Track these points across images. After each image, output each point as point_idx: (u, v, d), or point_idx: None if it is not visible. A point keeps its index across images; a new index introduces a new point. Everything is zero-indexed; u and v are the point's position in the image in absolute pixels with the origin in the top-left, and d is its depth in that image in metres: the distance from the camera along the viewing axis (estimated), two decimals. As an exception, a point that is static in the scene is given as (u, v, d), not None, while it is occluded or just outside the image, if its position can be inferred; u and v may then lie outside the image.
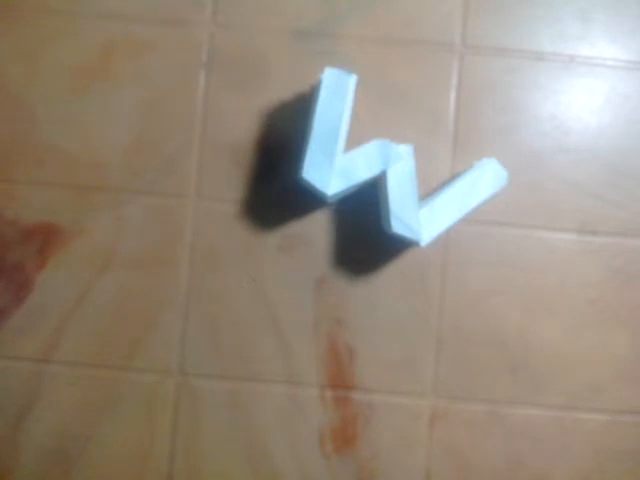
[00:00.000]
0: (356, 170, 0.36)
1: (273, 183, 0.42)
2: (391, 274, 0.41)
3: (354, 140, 0.41)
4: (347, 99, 0.36)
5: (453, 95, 0.42)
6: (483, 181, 0.37)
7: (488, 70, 0.42)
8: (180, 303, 0.41)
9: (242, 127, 0.42)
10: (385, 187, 0.37)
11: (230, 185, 0.42)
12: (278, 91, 0.42)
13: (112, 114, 0.42)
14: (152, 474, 0.41)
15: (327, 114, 0.36)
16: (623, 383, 0.41)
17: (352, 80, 0.36)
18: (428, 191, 0.41)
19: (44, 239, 0.41)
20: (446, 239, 0.41)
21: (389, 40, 0.42)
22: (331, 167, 0.36)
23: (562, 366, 0.41)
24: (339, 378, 0.41)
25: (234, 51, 0.42)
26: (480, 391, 0.41)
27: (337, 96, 0.36)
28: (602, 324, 0.41)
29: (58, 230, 0.41)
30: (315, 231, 0.42)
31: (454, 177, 0.40)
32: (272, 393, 0.41)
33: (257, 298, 0.41)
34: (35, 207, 0.42)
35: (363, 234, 0.41)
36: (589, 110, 0.42)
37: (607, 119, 0.42)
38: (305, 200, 0.41)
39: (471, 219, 0.41)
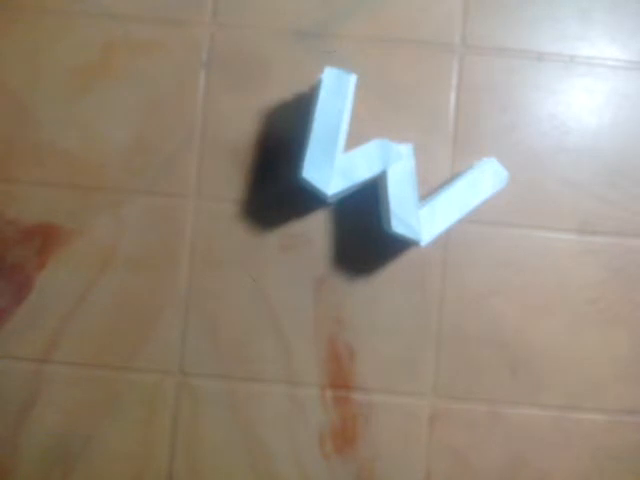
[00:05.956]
0: (356, 170, 0.36)
1: (273, 183, 0.42)
2: (391, 274, 0.41)
3: (354, 140, 0.41)
4: (347, 99, 0.36)
5: (453, 95, 0.42)
6: (483, 181, 0.37)
7: (488, 70, 0.42)
8: (180, 303, 0.41)
9: (242, 127, 0.42)
10: (385, 187, 0.37)
11: (230, 185, 0.42)
12: (278, 91, 0.42)
13: (112, 114, 0.42)
14: (152, 474, 0.41)
15: (327, 114, 0.36)
16: (623, 383, 0.41)
17: (352, 80, 0.36)
18: (428, 191, 0.41)
19: (44, 239, 0.41)
20: (446, 239, 0.41)
21: (389, 40, 0.42)
22: (331, 167, 0.36)
23: (562, 366, 0.41)
24: (339, 378, 0.41)
25: (234, 51, 0.42)
26: (480, 391, 0.41)
27: (337, 96, 0.36)
28: (602, 324, 0.41)
29: (58, 230, 0.41)
30: (315, 231, 0.42)
31: (454, 177, 0.40)
32: (272, 393, 0.41)
33: (257, 298, 0.41)
34: (35, 207, 0.42)
35: (363, 234, 0.42)
36: (589, 110, 0.42)
37: (607, 119, 0.42)
38: (305, 200, 0.41)
39: (471, 219, 0.41)
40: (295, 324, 0.41)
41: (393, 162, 0.36)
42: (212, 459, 0.41)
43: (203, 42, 0.42)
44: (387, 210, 0.37)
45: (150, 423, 0.41)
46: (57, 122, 0.42)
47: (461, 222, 0.41)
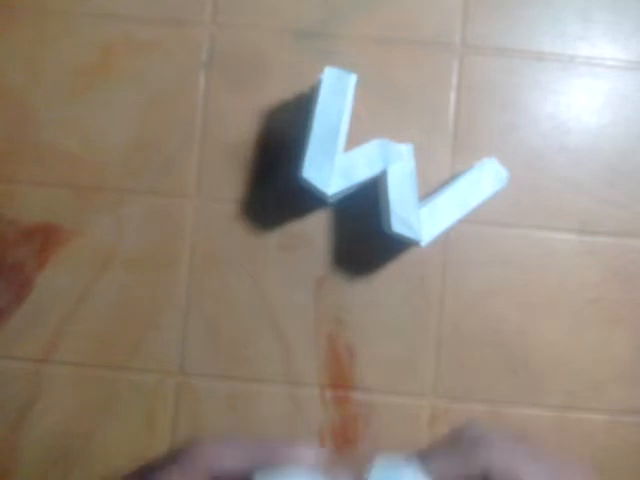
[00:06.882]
0: (356, 169, 0.36)
1: (273, 183, 0.42)
2: (391, 274, 0.41)
3: (354, 140, 0.41)
4: (347, 99, 0.36)
5: (453, 95, 0.42)
6: (483, 181, 0.37)
7: (488, 70, 0.42)
8: (180, 303, 0.41)
9: (242, 127, 0.42)
10: (385, 186, 0.37)
11: (230, 185, 0.42)
12: (278, 91, 0.42)
13: (112, 114, 0.42)
14: (152, 474, 0.41)
15: (327, 114, 0.36)
16: (623, 383, 0.41)
17: (352, 80, 0.36)
18: (428, 191, 0.41)
19: (44, 239, 0.41)
20: (446, 239, 0.41)
21: (389, 40, 0.42)
22: (331, 166, 0.36)
23: (562, 366, 0.41)
24: (339, 378, 0.41)
25: (234, 51, 0.42)
26: (480, 391, 0.41)
27: (337, 96, 0.36)
28: (602, 324, 0.41)
29: (58, 230, 0.41)
30: (315, 231, 0.42)
31: (454, 177, 0.40)
32: (272, 393, 0.41)
33: (257, 298, 0.41)
34: (35, 207, 0.42)
35: (363, 234, 0.41)
36: (589, 110, 0.42)
37: (607, 119, 0.42)
38: (305, 200, 0.41)
39: (471, 219, 0.41)
40: (295, 324, 0.41)
41: (393, 162, 0.36)
42: (212, 459, 0.41)
43: (203, 42, 0.42)
44: (387, 210, 0.37)
45: (150, 423, 0.41)
46: (57, 122, 0.42)
47: (461, 222, 0.41)
